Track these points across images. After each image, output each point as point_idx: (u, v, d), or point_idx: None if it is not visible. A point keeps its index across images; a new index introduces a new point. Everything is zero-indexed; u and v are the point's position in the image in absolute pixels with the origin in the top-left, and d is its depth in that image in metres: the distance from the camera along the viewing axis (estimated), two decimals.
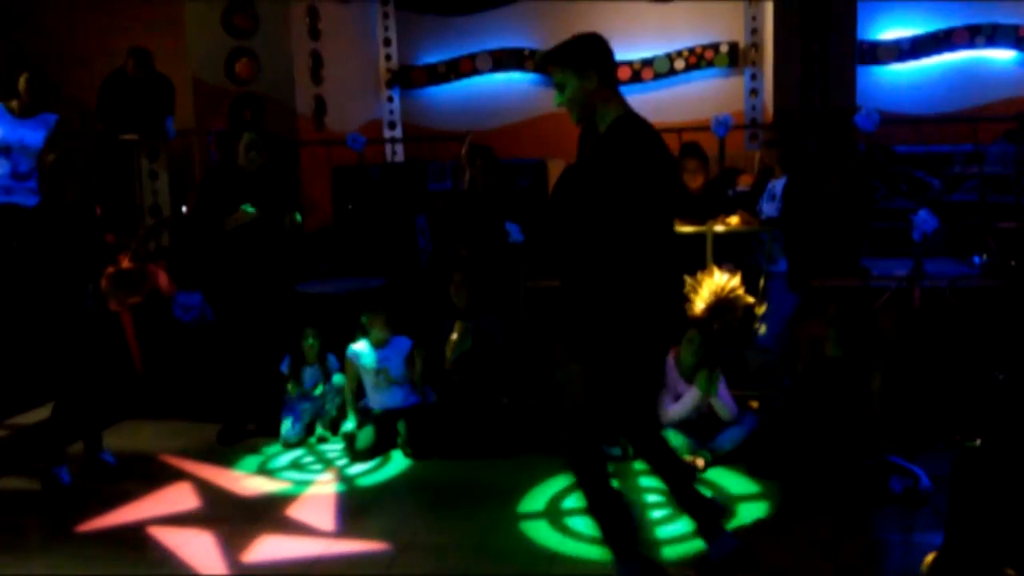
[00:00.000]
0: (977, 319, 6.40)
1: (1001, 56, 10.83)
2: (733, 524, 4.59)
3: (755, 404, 5.92)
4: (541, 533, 4.63)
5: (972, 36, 10.81)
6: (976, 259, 7.38)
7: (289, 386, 6.28)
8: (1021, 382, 5.56)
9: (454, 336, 6.09)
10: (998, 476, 3.74)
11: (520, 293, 6.79)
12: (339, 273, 8.29)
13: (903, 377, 5.69)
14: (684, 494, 4.05)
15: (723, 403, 5.54)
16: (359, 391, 6.16)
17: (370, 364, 6.04)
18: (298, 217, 6.16)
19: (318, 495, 5.27)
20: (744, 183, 8.06)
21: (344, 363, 6.17)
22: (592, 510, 3.86)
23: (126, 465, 5.76)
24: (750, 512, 4.79)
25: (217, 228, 6.03)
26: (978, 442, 5.12)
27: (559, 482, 5.25)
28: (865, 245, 7.96)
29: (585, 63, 3.49)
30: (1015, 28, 10.71)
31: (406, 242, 8.20)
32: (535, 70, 11.50)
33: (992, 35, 10.76)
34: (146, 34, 9.99)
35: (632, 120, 3.57)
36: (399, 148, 11.84)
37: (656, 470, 4.09)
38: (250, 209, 5.93)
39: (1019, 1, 10.68)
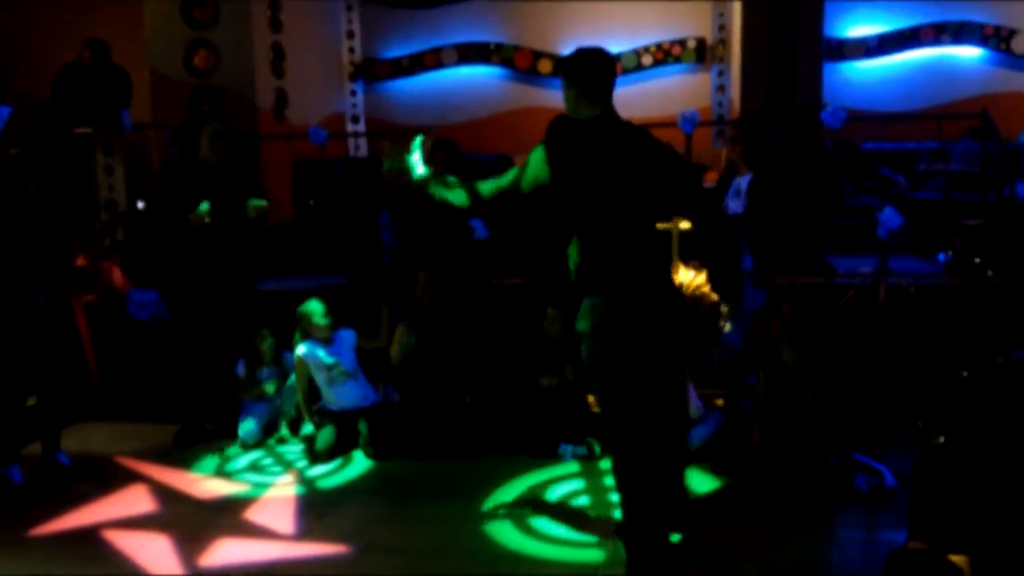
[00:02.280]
0: (942, 316, 6.40)
1: (967, 54, 10.90)
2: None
3: (720, 402, 5.89)
4: (505, 533, 4.57)
5: (938, 33, 10.87)
6: (941, 256, 7.39)
7: (245, 388, 6.15)
8: (985, 379, 5.56)
9: (397, 336, 6.01)
10: (961, 473, 3.73)
11: (485, 290, 6.71)
12: (299, 270, 8.16)
13: (868, 374, 5.69)
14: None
15: (689, 401, 5.49)
16: (313, 392, 6.04)
17: (322, 361, 5.92)
18: (262, 202, 6.02)
19: (277, 497, 5.17)
20: (711, 180, 8.04)
21: (296, 362, 6.04)
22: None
23: (81, 466, 5.64)
24: (714, 509, 4.78)
25: (179, 224, 5.88)
26: (942, 439, 5.13)
27: (523, 482, 5.20)
28: (831, 242, 7.96)
29: (570, 76, 3.76)
30: (981, 26, 10.78)
31: (369, 238, 8.08)
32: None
33: (958, 33, 10.83)
34: (103, 25, 9.76)
35: (579, 124, 3.77)
36: (362, 143, 11.72)
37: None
38: (205, 207, 5.78)
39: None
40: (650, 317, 3.73)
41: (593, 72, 3.74)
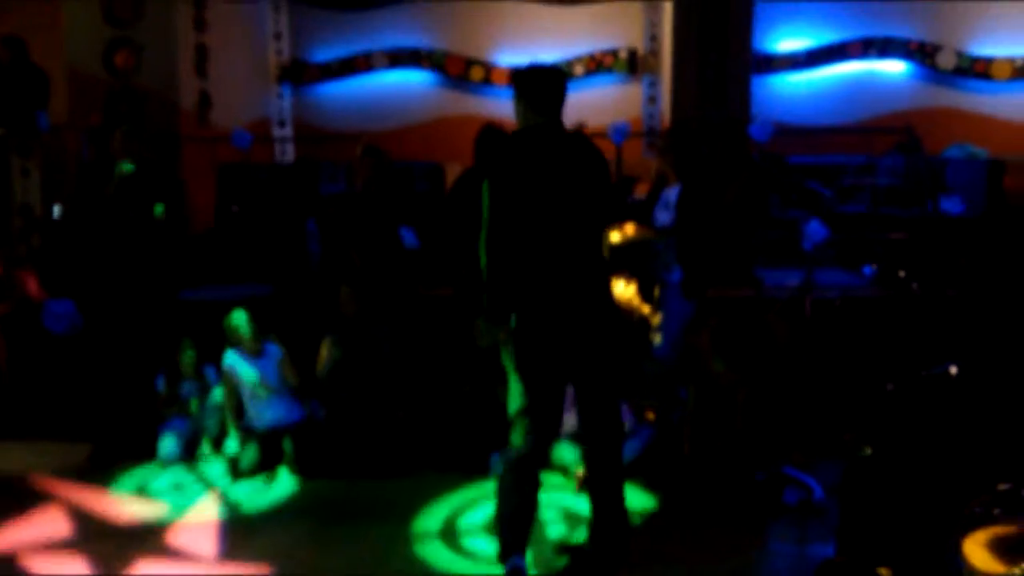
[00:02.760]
0: (868, 329, 6.49)
1: (893, 69, 11.12)
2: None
3: (651, 415, 5.87)
4: (436, 554, 4.50)
5: (865, 48, 11.07)
6: (867, 270, 7.49)
7: (165, 403, 5.96)
8: (910, 392, 5.64)
9: (323, 350, 5.88)
10: (887, 484, 3.78)
11: (414, 301, 6.60)
12: (222, 279, 7.95)
13: (795, 387, 5.73)
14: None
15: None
16: (240, 406, 5.87)
17: (248, 375, 5.77)
18: (158, 209, 5.82)
19: (198, 518, 5.02)
20: (642, 191, 8.04)
21: (222, 376, 5.87)
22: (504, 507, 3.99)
23: None
24: (645, 524, 4.77)
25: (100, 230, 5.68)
26: (868, 451, 5.17)
27: (454, 500, 5.12)
28: (758, 254, 8.03)
29: (520, 89, 3.96)
30: (906, 42, 11.01)
31: (295, 247, 7.91)
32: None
33: (884, 48, 11.05)
34: (21, 22, 9.43)
35: (519, 132, 3.96)
36: (289, 147, 11.51)
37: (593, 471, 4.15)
38: (159, 209, 5.63)
39: (911, 15, 10.98)
40: (579, 322, 3.89)
41: (542, 86, 3.93)
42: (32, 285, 7.07)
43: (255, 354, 5.80)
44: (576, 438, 5.39)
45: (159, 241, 5.92)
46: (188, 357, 6.01)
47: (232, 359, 5.80)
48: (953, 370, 4.99)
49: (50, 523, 4.99)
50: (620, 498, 4.17)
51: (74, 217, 6.09)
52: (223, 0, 10.28)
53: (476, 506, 5.06)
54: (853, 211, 8.62)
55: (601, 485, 4.14)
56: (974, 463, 3.88)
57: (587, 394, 4.07)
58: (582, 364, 3.97)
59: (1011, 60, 10.94)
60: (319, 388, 5.98)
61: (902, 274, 7.12)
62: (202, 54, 9.84)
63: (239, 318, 5.80)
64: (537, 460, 4.00)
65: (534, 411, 3.93)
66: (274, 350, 5.88)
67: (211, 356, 6.09)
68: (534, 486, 4.01)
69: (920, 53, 11.01)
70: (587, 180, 3.92)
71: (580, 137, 4.02)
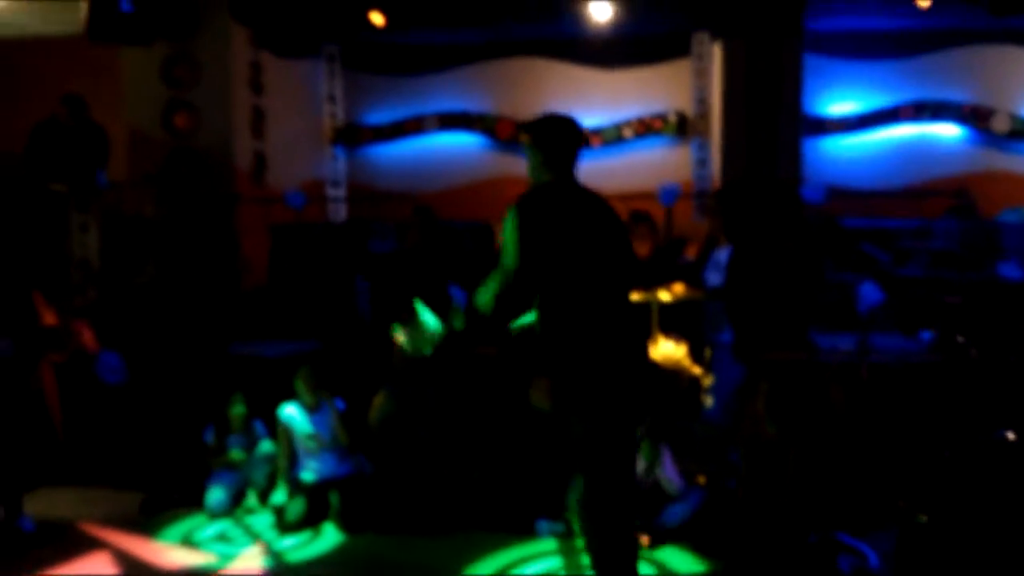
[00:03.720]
0: (925, 395, 6.35)
1: (947, 132, 11.04)
2: None
3: (702, 479, 5.77)
4: None
5: (918, 112, 11.02)
6: (924, 335, 7.37)
7: (213, 455, 5.98)
8: (967, 459, 5.50)
9: (376, 402, 5.88)
10: (943, 552, 3.68)
11: (463, 358, 6.59)
12: (274, 335, 8.01)
13: (850, 452, 5.61)
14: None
15: (669, 477, 5.39)
16: (291, 459, 5.88)
17: (302, 429, 5.80)
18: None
19: (244, 569, 5.02)
20: (692, 253, 8.01)
21: (276, 428, 5.90)
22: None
23: (44, 532, 5.50)
24: None
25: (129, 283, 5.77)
26: (923, 518, 5.04)
27: (500, 559, 5.05)
28: (812, 318, 7.92)
29: (537, 140, 3.76)
30: (960, 106, 10.94)
31: (345, 303, 7.97)
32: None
33: (937, 111, 10.99)
34: (82, 82, 9.70)
35: (544, 191, 3.74)
36: (342, 208, 11.65)
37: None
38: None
39: (964, 79, 10.92)
40: (622, 386, 3.69)
41: (559, 139, 3.76)
42: (87, 336, 7.17)
43: (311, 409, 5.83)
44: None
45: (211, 297, 5.98)
46: (238, 411, 6.05)
47: (288, 411, 5.84)
48: (1011, 436, 4.87)
49: (97, 567, 5.02)
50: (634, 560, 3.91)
51: (132, 274, 6.18)
52: (280, 64, 10.50)
53: (522, 566, 4.98)
54: (909, 275, 8.49)
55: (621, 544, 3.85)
56: None
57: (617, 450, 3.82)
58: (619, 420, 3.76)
59: None
60: (368, 442, 5.96)
61: (961, 339, 6.99)
62: (258, 116, 10.03)
63: (301, 372, 5.86)
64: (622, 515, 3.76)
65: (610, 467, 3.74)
66: (330, 407, 5.90)
67: (259, 410, 6.12)
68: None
69: (973, 116, 10.92)
70: (612, 237, 3.77)
71: (596, 195, 3.82)
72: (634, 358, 3.79)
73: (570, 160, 3.77)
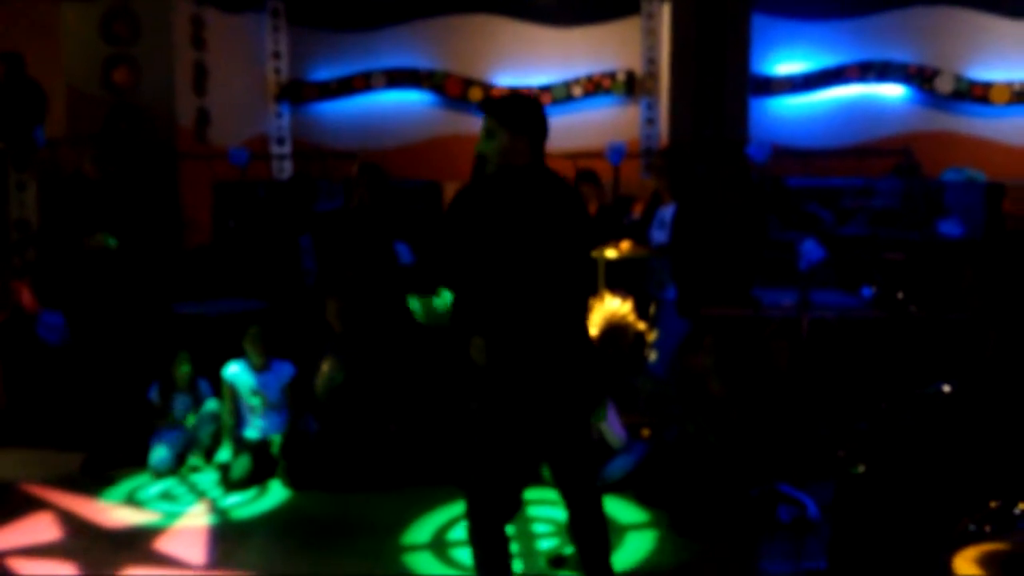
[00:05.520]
0: (865, 350, 6.47)
1: (891, 92, 11.16)
2: (622, 553, 4.54)
3: (646, 432, 5.85)
4: (425, 566, 4.47)
5: (863, 72, 11.12)
6: (865, 291, 7.48)
7: (158, 414, 5.94)
8: (903, 411, 5.63)
9: (324, 369, 5.85)
10: (879, 501, 3.76)
11: (408, 316, 6.58)
12: (217, 294, 7.94)
13: (791, 405, 5.71)
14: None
15: (613, 430, 5.45)
16: (236, 418, 5.85)
17: (248, 387, 5.76)
18: (110, 241, 5.74)
19: (189, 527, 4.99)
20: (638, 211, 8.05)
21: (220, 387, 5.86)
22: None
23: None
24: (638, 541, 4.74)
25: (73, 244, 5.68)
26: (861, 469, 5.15)
27: (444, 513, 5.09)
28: (756, 275, 8.02)
29: (522, 126, 3.59)
30: (905, 66, 11.06)
31: (290, 263, 7.90)
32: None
33: (883, 71, 11.09)
34: (18, 38, 9.47)
35: (524, 172, 3.60)
36: (287, 165, 11.53)
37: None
38: (111, 242, 5.61)
39: (909, 39, 11.04)
40: (553, 363, 3.55)
41: (538, 120, 3.63)
42: (26, 296, 7.06)
43: (259, 369, 5.80)
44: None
45: (151, 255, 5.89)
46: (183, 370, 5.99)
47: (233, 370, 5.81)
48: (946, 389, 4.98)
49: (41, 530, 4.97)
50: (602, 521, 3.89)
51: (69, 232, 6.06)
52: (223, 19, 10.31)
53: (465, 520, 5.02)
54: (851, 233, 8.62)
55: (584, 511, 3.84)
56: (966, 481, 3.86)
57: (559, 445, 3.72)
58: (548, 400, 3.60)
59: (1009, 84, 11.00)
60: (314, 403, 5.95)
61: (900, 296, 7.11)
62: (201, 72, 9.87)
63: (251, 331, 5.83)
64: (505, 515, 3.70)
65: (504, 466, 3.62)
66: (286, 369, 5.90)
67: (203, 369, 6.07)
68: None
69: (919, 77, 11.06)
70: (575, 230, 3.62)
71: (562, 179, 3.71)
72: (567, 353, 3.62)
73: (543, 142, 3.65)
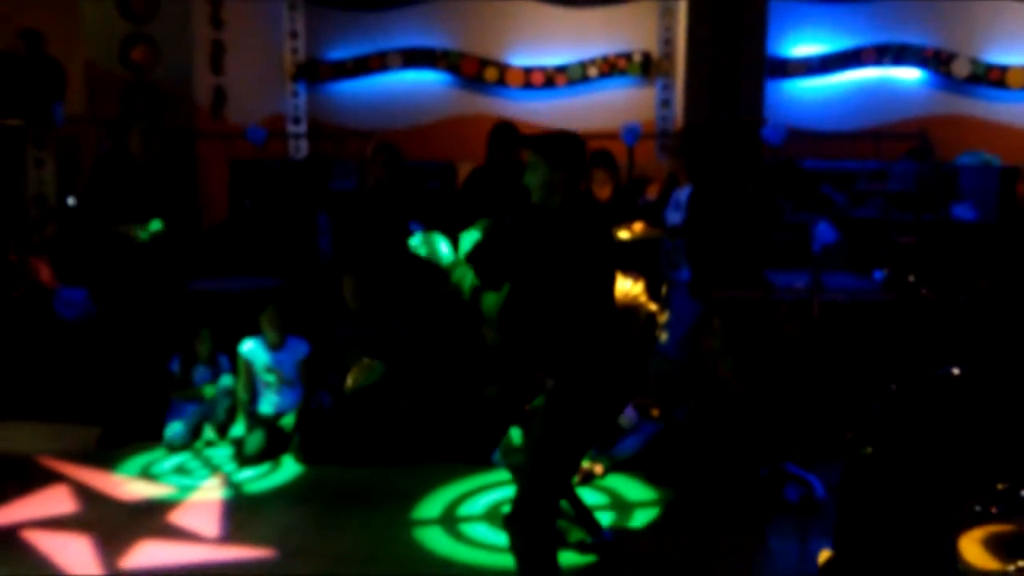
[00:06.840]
0: (875, 332, 6.49)
1: (907, 76, 11.10)
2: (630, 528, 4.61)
3: (656, 412, 5.88)
4: (435, 540, 4.53)
5: (880, 55, 11.06)
6: (877, 274, 7.49)
7: (178, 386, 6.01)
8: (912, 393, 5.65)
9: (357, 369, 5.85)
10: (887, 484, 3.78)
11: (424, 295, 6.63)
12: (233, 271, 8.01)
13: (801, 387, 5.74)
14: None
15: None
16: (251, 393, 5.93)
17: (263, 364, 5.83)
18: (156, 226, 5.80)
19: (203, 500, 5.06)
20: (653, 193, 8.07)
21: (236, 363, 5.93)
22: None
23: (2, 466, 5.49)
24: (647, 518, 4.78)
25: (106, 223, 5.74)
26: (869, 450, 5.18)
27: (455, 488, 5.15)
28: (769, 257, 8.03)
29: (560, 161, 3.71)
30: (921, 49, 10.99)
31: (305, 241, 7.97)
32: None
33: (899, 55, 11.03)
34: (38, 16, 9.52)
35: (579, 206, 3.75)
36: (303, 144, 11.57)
37: None
38: (143, 236, 5.67)
39: (926, 22, 10.97)
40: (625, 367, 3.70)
41: (582, 158, 3.75)
42: (45, 273, 7.15)
43: (275, 347, 5.87)
44: None
45: (174, 235, 5.95)
46: (205, 346, 6.05)
47: (251, 345, 5.88)
48: (956, 372, 5.00)
49: (56, 501, 5.03)
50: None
51: (89, 208, 6.12)
52: None
53: (477, 495, 5.09)
54: (865, 216, 8.61)
55: None
56: (974, 463, 3.88)
57: None
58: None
59: None
60: (328, 380, 5.99)
61: (912, 279, 7.12)
62: (218, 51, 9.90)
63: (268, 309, 5.89)
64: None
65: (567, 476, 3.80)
66: (300, 347, 5.95)
67: (222, 344, 6.14)
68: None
69: (935, 60, 10.99)
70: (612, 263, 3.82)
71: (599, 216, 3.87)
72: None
73: (580, 179, 3.78)
